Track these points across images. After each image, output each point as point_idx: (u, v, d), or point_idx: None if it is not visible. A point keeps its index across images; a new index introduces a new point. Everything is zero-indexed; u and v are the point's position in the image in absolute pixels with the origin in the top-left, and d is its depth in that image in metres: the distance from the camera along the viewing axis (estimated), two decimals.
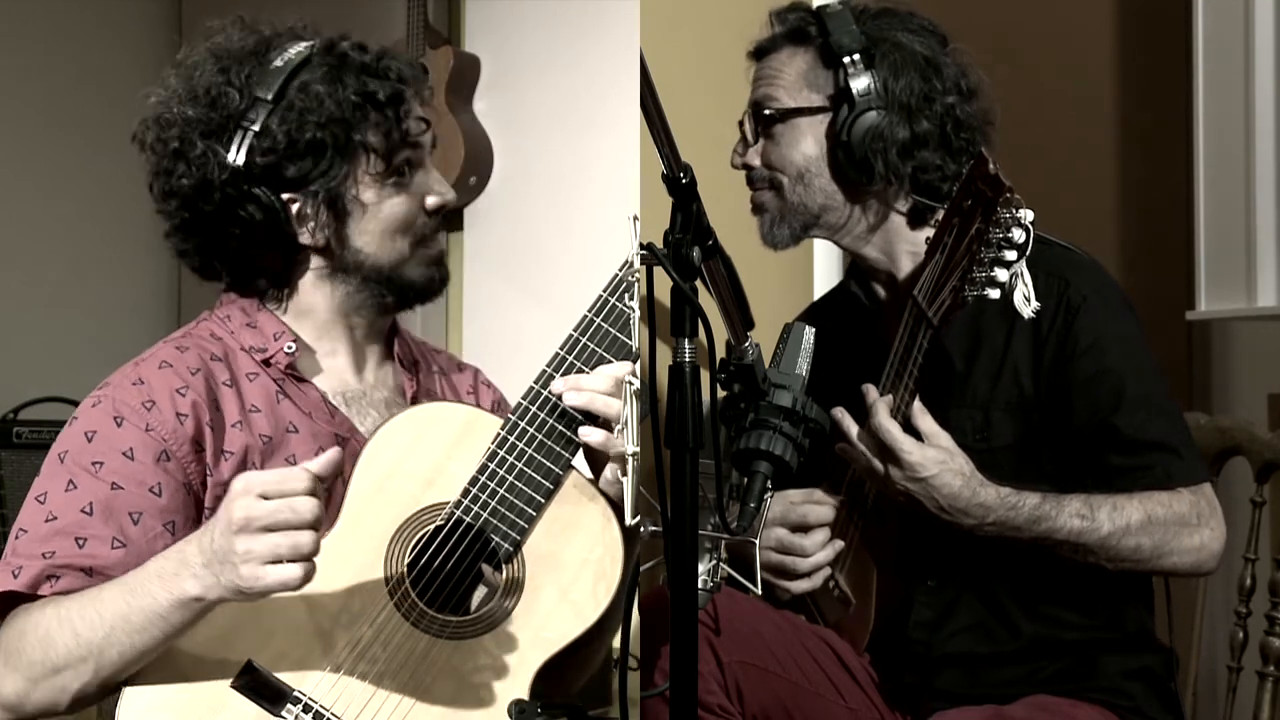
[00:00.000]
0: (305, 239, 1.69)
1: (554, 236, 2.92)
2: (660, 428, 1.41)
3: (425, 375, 1.83)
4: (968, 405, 1.87)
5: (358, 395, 1.75)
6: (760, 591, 1.71)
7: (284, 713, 1.46)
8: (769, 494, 1.70)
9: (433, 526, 1.56)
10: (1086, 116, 2.99)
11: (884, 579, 1.92)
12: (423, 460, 1.58)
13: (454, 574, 1.55)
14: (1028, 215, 1.64)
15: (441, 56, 3.05)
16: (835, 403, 1.82)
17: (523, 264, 2.97)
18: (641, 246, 1.45)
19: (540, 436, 1.58)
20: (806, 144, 1.92)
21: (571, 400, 1.57)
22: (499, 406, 1.88)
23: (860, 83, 1.87)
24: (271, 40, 1.71)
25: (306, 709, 1.46)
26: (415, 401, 1.77)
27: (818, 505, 1.88)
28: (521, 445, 1.58)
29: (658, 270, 1.44)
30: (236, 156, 1.64)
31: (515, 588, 1.55)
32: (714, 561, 1.72)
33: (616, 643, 1.77)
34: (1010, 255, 1.65)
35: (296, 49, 1.70)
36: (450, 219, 3.25)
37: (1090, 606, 1.87)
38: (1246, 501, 2.05)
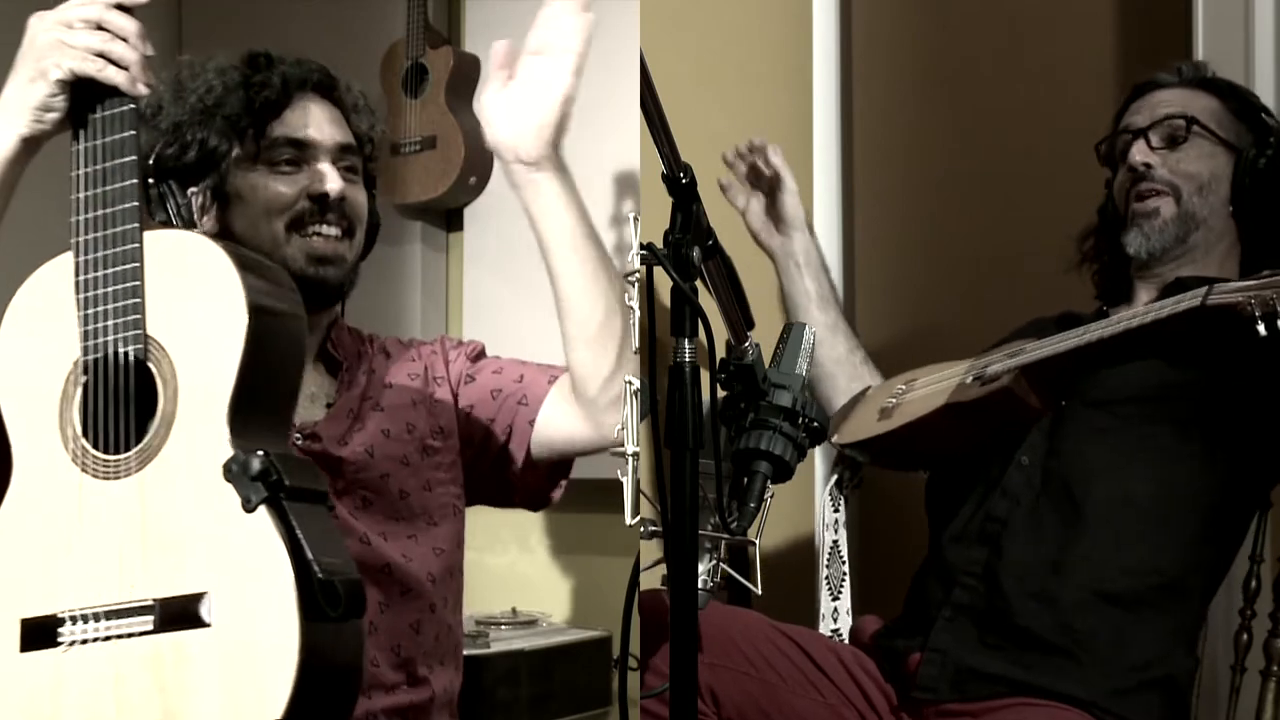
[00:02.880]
0: (203, 230, 1.74)
1: None
2: (660, 428, 1.41)
3: (358, 370, 1.85)
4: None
5: None
6: (760, 592, 1.71)
7: (62, 640, 1.44)
8: (769, 494, 1.70)
9: (82, 382, 1.49)
10: (1086, 116, 2.99)
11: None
12: (47, 334, 1.52)
13: (114, 408, 1.47)
14: None
15: (441, 56, 3.05)
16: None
17: (523, 264, 2.95)
18: (641, 246, 1.44)
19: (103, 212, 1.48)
20: (1214, 164, 2.06)
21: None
22: (475, 356, 1.92)
23: (1273, 138, 2.05)
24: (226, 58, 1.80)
25: (74, 621, 1.44)
26: (328, 407, 1.82)
27: None
28: (91, 240, 1.49)
29: (658, 270, 1.44)
30: (151, 153, 1.74)
31: (171, 376, 1.47)
32: (714, 561, 1.72)
33: (616, 644, 1.77)
34: None
35: (223, 56, 1.78)
36: (450, 219, 3.28)
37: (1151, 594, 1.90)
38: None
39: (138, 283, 1.45)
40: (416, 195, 3.07)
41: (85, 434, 1.48)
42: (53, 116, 1.49)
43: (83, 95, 1.49)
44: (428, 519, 1.83)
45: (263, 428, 1.46)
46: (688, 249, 1.42)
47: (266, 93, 1.75)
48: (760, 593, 1.72)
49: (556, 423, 1.85)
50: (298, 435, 1.78)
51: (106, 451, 1.46)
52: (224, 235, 1.77)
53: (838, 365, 2.34)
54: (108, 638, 1.43)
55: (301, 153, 1.77)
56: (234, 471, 1.40)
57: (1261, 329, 1.75)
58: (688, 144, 1.43)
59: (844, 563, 2.21)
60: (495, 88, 1.67)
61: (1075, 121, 2.99)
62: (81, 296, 1.47)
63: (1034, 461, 1.98)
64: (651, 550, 1.57)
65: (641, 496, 1.50)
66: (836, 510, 2.26)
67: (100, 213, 1.47)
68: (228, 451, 1.41)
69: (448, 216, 3.20)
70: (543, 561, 2.73)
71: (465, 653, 2.46)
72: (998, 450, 2.01)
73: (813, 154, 2.81)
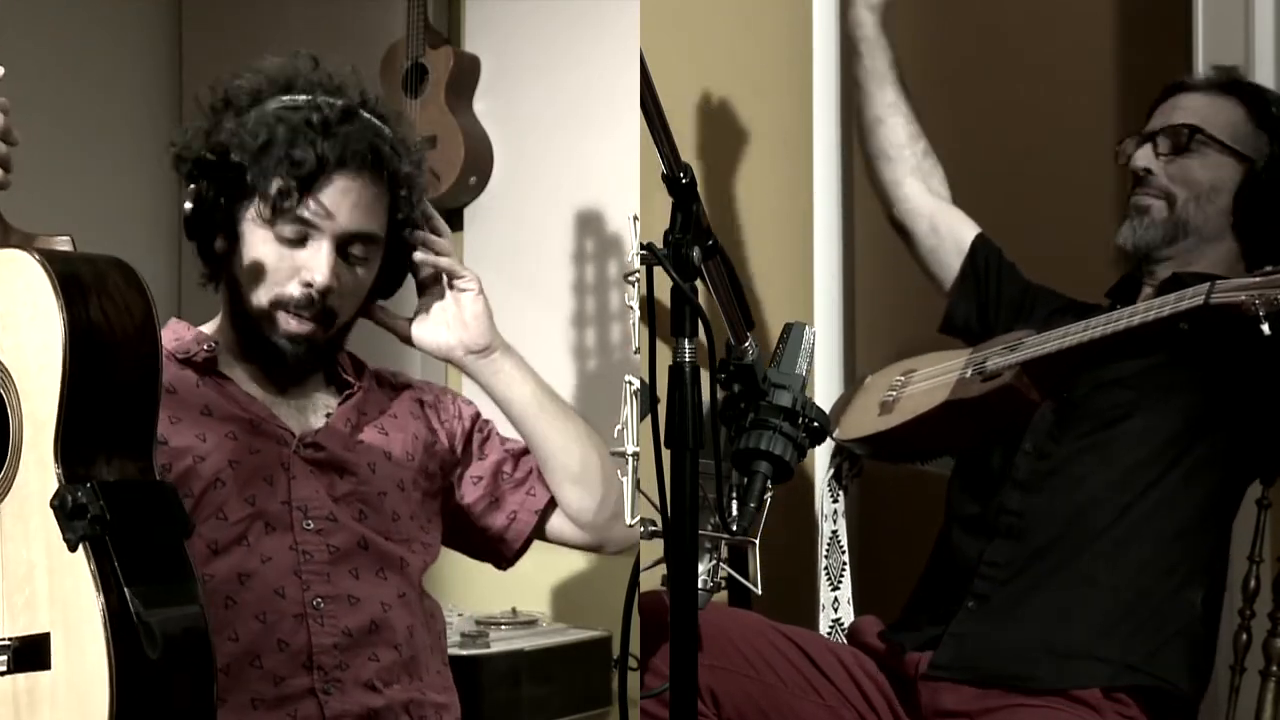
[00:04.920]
0: (219, 244, 1.77)
1: (554, 236, 2.91)
2: (660, 428, 1.41)
3: (360, 390, 1.87)
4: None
5: (277, 400, 1.82)
6: (760, 592, 1.71)
7: None
8: (769, 494, 1.70)
9: None
10: (1086, 117, 2.99)
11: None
12: None
13: None
14: None
15: (441, 56, 3.05)
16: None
17: (523, 264, 2.97)
18: (642, 246, 1.44)
19: None
20: (1220, 174, 2.05)
21: None
22: (476, 419, 1.96)
23: None
24: (299, 78, 1.79)
25: None
26: (328, 417, 1.83)
27: None
28: None
29: (658, 270, 1.44)
30: (204, 144, 1.76)
31: (17, 403, 1.40)
32: (714, 561, 1.72)
33: (616, 644, 1.77)
34: None
35: (297, 86, 1.78)
36: (451, 219, 3.27)
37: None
38: (1252, 503, 2.05)
39: None
40: None
41: None
42: None
43: None
44: (408, 547, 1.84)
45: (107, 451, 1.40)
46: (688, 249, 1.42)
47: (298, 169, 1.73)
48: (760, 592, 1.72)
49: (559, 526, 1.96)
50: (301, 444, 1.79)
51: None
52: (228, 259, 1.79)
53: (899, 150, 2.39)
54: None
55: (309, 231, 1.75)
56: (55, 509, 1.35)
57: (1266, 329, 1.75)
58: (688, 144, 1.43)
59: (844, 552, 2.22)
60: (420, 316, 1.87)
61: (1075, 121, 2.99)
62: None
63: (1038, 448, 1.99)
64: (652, 550, 1.57)
65: (641, 496, 1.50)
66: (835, 500, 2.26)
67: None
68: (55, 484, 1.36)
69: (448, 216, 3.19)
70: (543, 561, 2.72)
71: (465, 652, 2.46)
72: (1000, 440, 2.02)
73: (813, 154, 2.80)
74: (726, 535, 1.66)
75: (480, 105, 3.08)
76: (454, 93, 3.05)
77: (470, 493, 1.94)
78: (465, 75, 3.07)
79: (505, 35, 3.08)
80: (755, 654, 1.95)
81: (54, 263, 1.40)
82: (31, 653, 1.35)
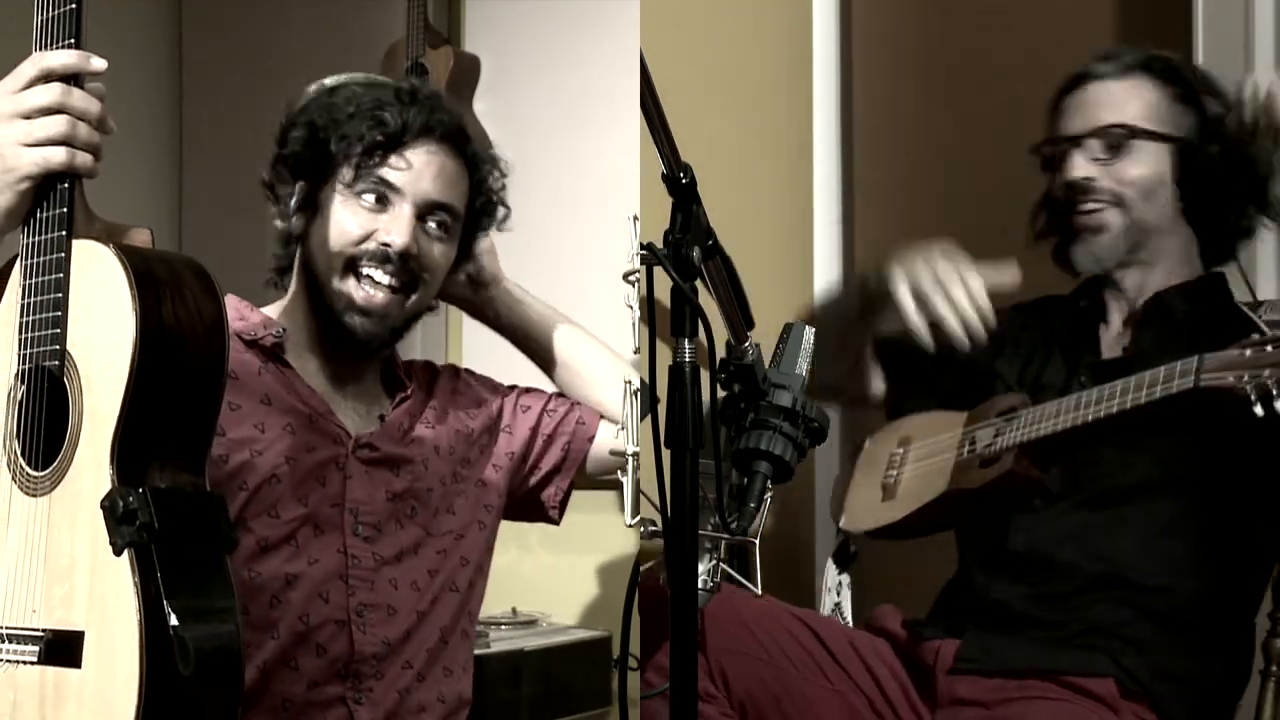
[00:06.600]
0: (291, 224, 1.77)
1: (554, 236, 2.91)
2: (660, 428, 1.41)
3: (419, 393, 1.88)
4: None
5: (336, 398, 1.80)
6: (760, 591, 1.71)
7: None
8: (769, 494, 1.70)
9: (20, 392, 1.43)
10: None
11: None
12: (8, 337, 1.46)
13: (34, 423, 1.41)
14: None
15: (441, 56, 3.05)
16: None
17: (523, 264, 2.96)
18: (642, 246, 1.44)
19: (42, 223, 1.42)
20: (1157, 165, 2.00)
21: None
22: (521, 406, 1.97)
23: (1219, 121, 1.98)
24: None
25: None
26: (381, 419, 1.83)
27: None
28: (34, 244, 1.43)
29: (658, 270, 1.44)
30: (283, 140, 1.78)
31: (79, 394, 1.39)
32: (714, 561, 1.72)
33: (616, 644, 1.78)
34: None
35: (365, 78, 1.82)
36: None
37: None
38: None
39: (60, 295, 1.39)
40: None
41: (20, 446, 1.42)
42: (22, 215, 1.43)
43: None
44: (461, 537, 1.85)
45: (163, 458, 1.38)
46: (688, 249, 1.42)
47: (384, 128, 1.73)
48: (760, 592, 1.72)
49: (600, 453, 1.97)
50: (356, 446, 1.77)
51: (32, 466, 1.41)
52: (305, 240, 1.78)
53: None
54: (6, 660, 1.38)
55: (389, 194, 1.75)
56: (105, 510, 1.33)
57: (1259, 410, 1.73)
58: (688, 144, 1.43)
59: (847, 624, 2.20)
60: None
61: None
62: (20, 304, 1.43)
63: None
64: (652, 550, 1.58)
65: (641, 496, 1.50)
66: (841, 573, 2.25)
67: (42, 216, 1.42)
68: (108, 484, 1.34)
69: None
70: (543, 561, 2.73)
71: None
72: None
73: (813, 154, 2.81)
74: (726, 535, 1.67)
75: (480, 105, 3.08)
76: (454, 93, 3.04)
77: (521, 443, 1.95)
78: (465, 75, 3.07)
79: (505, 35, 3.09)
80: (768, 637, 1.95)
81: (133, 260, 1.38)
82: (64, 648, 1.35)
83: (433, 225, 1.77)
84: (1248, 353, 1.77)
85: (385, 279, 1.75)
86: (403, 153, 1.74)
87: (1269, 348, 1.76)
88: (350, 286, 1.75)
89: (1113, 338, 2.08)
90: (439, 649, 1.80)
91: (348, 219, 1.74)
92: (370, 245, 1.74)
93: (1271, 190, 2.01)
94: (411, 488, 1.80)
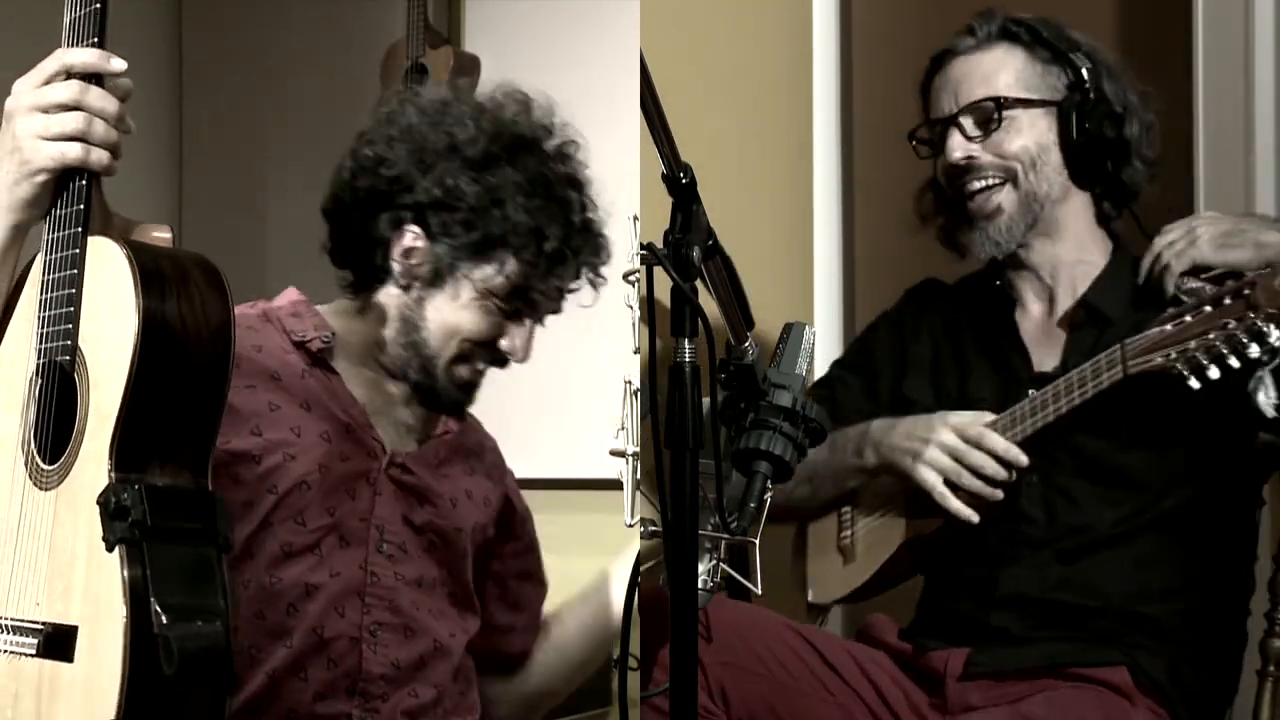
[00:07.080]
0: (398, 267, 1.71)
1: None
2: (660, 428, 1.41)
3: (456, 424, 1.85)
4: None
5: (379, 410, 1.77)
6: (760, 592, 1.71)
7: None
8: (769, 494, 1.70)
9: (37, 386, 1.43)
10: None
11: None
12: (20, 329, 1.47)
13: (45, 417, 1.41)
14: None
15: (441, 56, 3.05)
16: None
17: None
18: (642, 246, 1.44)
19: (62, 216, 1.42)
20: (1037, 133, 1.97)
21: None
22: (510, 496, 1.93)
23: (1089, 80, 1.95)
24: (501, 107, 1.83)
25: None
26: (420, 443, 1.80)
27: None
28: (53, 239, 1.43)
29: (658, 270, 1.44)
30: (421, 189, 1.70)
31: (86, 390, 1.39)
32: (714, 561, 1.72)
33: (616, 644, 1.77)
34: (1253, 352, 1.69)
35: (530, 129, 1.81)
36: None
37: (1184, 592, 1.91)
38: None
39: (73, 290, 1.39)
40: None
41: (35, 432, 1.42)
42: (43, 207, 1.43)
43: None
44: (471, 590, 1.83)
45: (162, 455, 1.37)
46: (688, 249, 1.42)
47: (554, 263, 1.72)
48: (760, 592, 1.72)
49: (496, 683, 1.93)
50: (389, 463, 1.75)
51: (44, 460, 1.41)
52: (412, 296, 1.73)
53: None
54: (9, 652, 1.38)
55: (525, 311, 1.75)
56: (100, 505, 1.33)
57: (1194, 384, 1.73)
58: (688, 144, 1.43)
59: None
60: None
61: None
62: (39, 299, 1.43)
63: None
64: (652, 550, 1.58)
65: (641, 496, 1.50)
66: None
67: (59, 212, 1.42)
68: (105, 479, 1.34)
69: None
70: (543, 561, 2.72)
71: None
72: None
73: (813, 154, 2.81)
74: (726, 535, 1.67)
75: None
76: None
77: (504, 565, 1.92)
78: (465, 75, 3.07)
79: (505, 35, 3.09)
80: (768, 652, 1.94)
81: (140, 257, 1.37)
82: (59, 642, 1.35)
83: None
84: (1168, 328, 1.76)
85: (487, 367, 1.77)
86: (557, 281, 1.74)
87: (1188, 317, 1.75)
88: (456, 369, 1.74)
89: (1035, 324, 2.04)
90: (448, 686, 1.78)
91: (483, 319, 1.73)
92: (492, 348, 1.75)
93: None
94: (433, 523, 1.78)
